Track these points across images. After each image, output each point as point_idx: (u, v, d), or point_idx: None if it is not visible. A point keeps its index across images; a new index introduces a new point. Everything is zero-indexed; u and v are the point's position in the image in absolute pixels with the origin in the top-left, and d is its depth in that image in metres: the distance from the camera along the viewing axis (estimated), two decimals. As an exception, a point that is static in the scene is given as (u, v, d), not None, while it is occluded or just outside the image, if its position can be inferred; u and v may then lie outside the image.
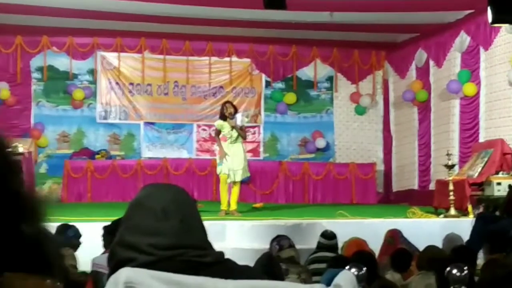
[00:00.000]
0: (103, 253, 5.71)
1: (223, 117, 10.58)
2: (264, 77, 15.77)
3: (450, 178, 10.36)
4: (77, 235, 6.74)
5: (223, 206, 10.52)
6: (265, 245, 6.55)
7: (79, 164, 14.30)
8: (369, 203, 14.60)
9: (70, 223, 6.96)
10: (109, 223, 5.84)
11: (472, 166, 11.25)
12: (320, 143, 15.61)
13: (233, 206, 10.55)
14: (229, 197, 10.57)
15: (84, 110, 15.01)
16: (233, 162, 10.41)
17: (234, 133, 10.44)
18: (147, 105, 15.22)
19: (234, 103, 14.68)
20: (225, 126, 10.47)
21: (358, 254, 5.17)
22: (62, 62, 14.90)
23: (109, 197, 14.07)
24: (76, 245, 6.50)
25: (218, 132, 10.61)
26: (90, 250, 5.99)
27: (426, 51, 14.21)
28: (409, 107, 14.88)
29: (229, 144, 10.47)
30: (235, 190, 10.60)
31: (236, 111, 10.68)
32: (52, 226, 1.28)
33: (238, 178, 10.48)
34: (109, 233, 5.55)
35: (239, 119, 10.52)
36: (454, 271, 4.22)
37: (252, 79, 15.69)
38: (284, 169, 14.84)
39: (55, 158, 14.60)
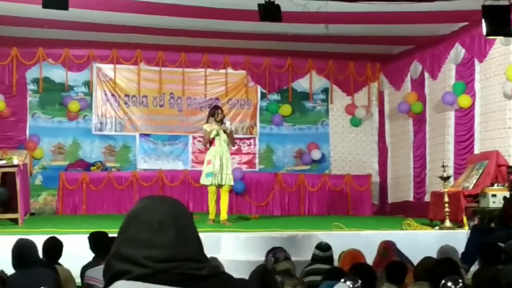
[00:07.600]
0: (88, 264, 5.74)
1: (209, 120, 10.63)
2: (259, 88, 15.80)
3: (445, 190, 10.34)
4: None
5: (211, 216, 10.53)
6: (260, 257, 6.52)
7: (75, 175, 14.28)
8: (364, 214, 14.62)
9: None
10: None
11: (467, 178, 11.26)
12: (316, 154, 15.62)
13: (224, 216, 10.46)
14: (217, 208, 10.52)
15: (80, 121, 14.99)
16: (221, 167, 10.34)
17: (225, 136, 10.44)
18: (142, 116, 15.22)
19: (230, 115, 14.85)
20: (214, 128, 10.45)
21: (357, 266, 5.14)
22: (57, 73, 14.90)
23: (105, 208, 14.07)
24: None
25: (211, 139, 10.48)
26: (83, 263, 5.98)
27: (421, 63, 14.25)
28: (404, 119, 14.90)
29: (218, 147, 10.40)
30: (224, 198, 10.54)
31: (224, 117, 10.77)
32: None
33: (224, 182, 10.37)
34: (93, 246, 5.69)
35: (228, 123, 10.61)
36: (449, 283, 4.22)
37: (247, 90, 15.72)
38: (279, 181, 14.85)
39: (50, 170, 14.58)
